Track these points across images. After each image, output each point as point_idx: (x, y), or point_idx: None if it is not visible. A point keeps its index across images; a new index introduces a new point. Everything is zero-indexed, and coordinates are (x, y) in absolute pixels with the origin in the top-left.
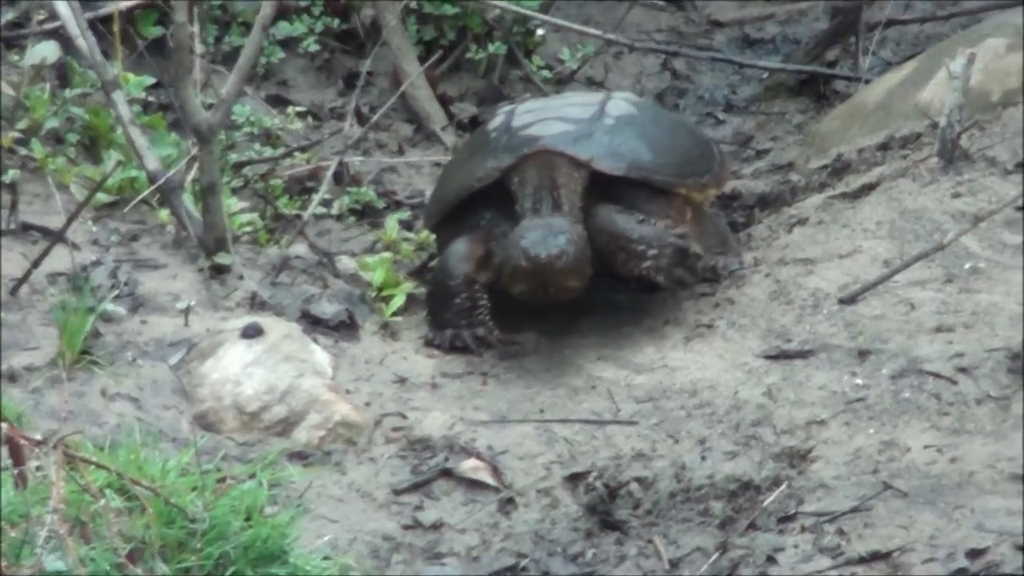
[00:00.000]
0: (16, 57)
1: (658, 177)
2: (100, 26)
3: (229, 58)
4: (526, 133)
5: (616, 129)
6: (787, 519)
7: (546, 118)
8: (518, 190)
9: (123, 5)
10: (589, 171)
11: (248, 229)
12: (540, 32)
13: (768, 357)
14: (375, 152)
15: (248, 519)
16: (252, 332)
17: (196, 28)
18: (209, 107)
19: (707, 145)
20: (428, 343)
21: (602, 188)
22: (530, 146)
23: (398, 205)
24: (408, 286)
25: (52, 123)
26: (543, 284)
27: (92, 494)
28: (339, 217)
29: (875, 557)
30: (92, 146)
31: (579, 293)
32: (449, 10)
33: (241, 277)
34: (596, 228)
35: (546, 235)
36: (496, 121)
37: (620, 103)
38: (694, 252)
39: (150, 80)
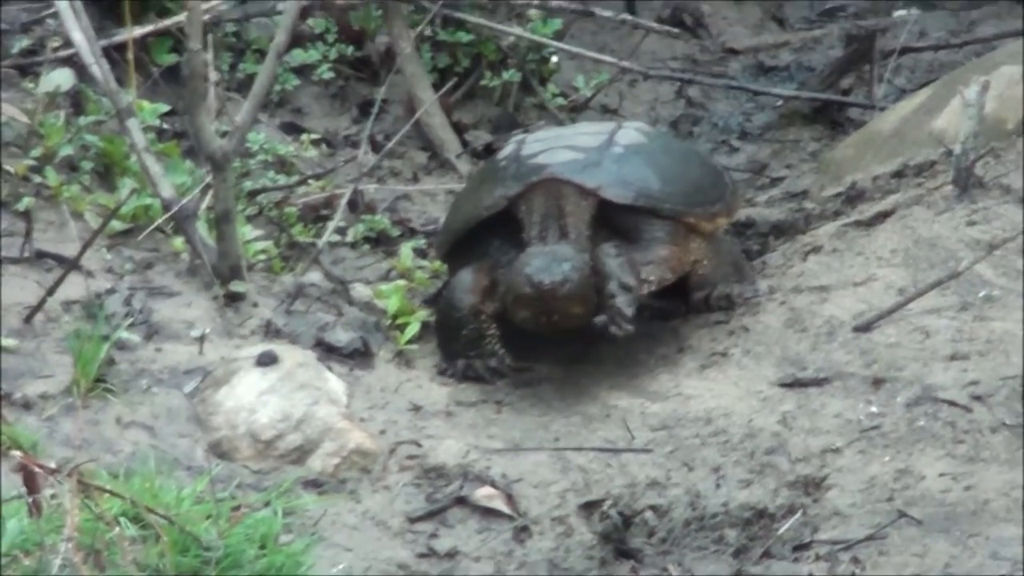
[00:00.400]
0: (30, 84)
1: (666, 206)
2: (114, 53)
3: (243, 85)
4: (534, 162)
5: (624, 158)
6: (802, 547)
7: (555, 147)
8: (525, 218)
9: (137, 33)
10: (597, 199)
11: (262, 257)
12: (554, 60)
13: (783, 385)
14: (389, 180)
15: (263, 547)
16: (267, 360)
17: (210, 55)
18: (223, 135)
19: (718, 174)
20: (441, 372)
21: (611, 217)
22: (538, 174)
23: (412, 233)
24: (423, 314)
25: (66, 151)
26: (546, 311)
27: (106, 522)
28: (353, 245)
29: None
30: (106, 174)
31: (584, 322)
32: (464, 37)
33: (256, 305)
34: (595, 260)
35: (550, 262)
36: (506, 150)
37: (630, 132)
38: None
39: (164, 108)
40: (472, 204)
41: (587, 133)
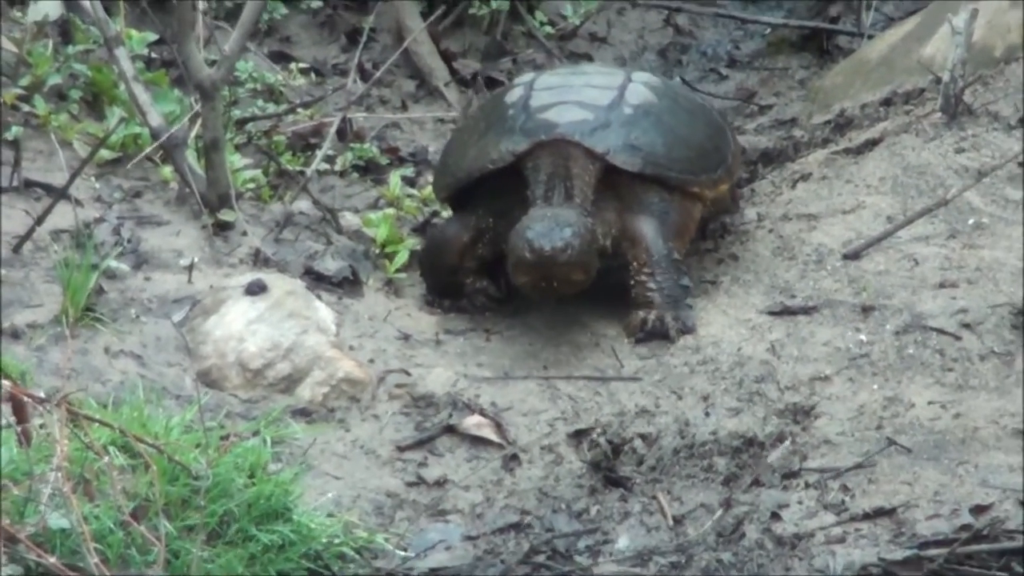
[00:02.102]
0: (18, 13)
1: (672, 174)
2: None
3: (232, 14)
4: (543, 117)
5: (634, 120)
6: (791, 475)
7: (565, 101)
8: (531, 175)
9: None
10: (604, 163)
11: (251, 186)
12: None
13: (772, 313)
14: (378, 108)
15: (252, 476)
16: (256, 289)
17: None
18: (212, 63)
19: (722, 133)
20: (428, 303)
21: (614, 178)
22: (547, 132)
23: (401, 161)
24: (412, 242)
25: (55, 80)
26: (546, 277)
27: (95, 452)
28: (342, 173)
29: (879, 513)
30: (95, 103)
31: (584, 286)
32: None
33: (244, 234)
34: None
35: (552, 227)
36: (514, 95)
37: (639, 89)
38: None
39: (153, 36)
40: (477, 152)
41: (596, 86)
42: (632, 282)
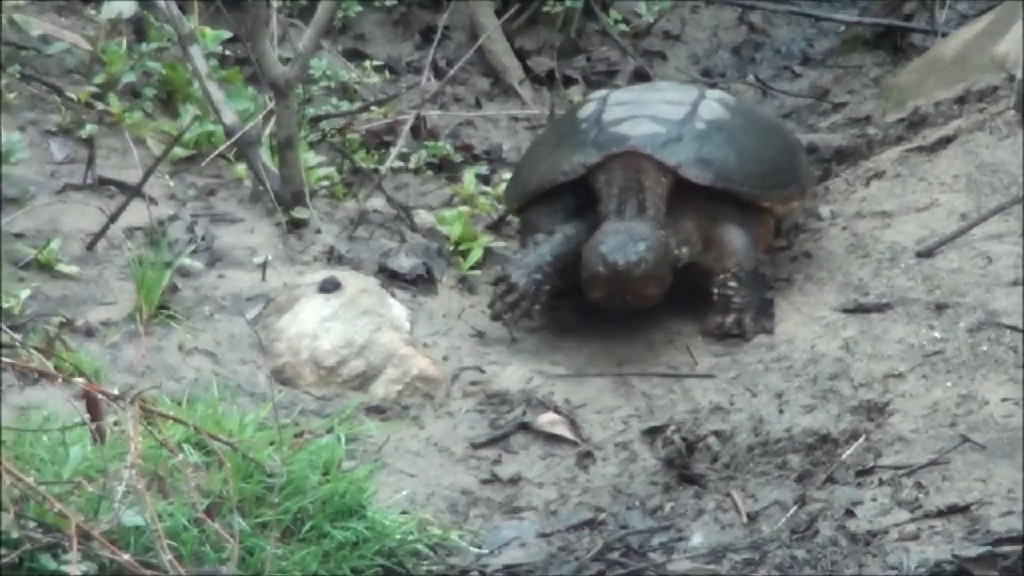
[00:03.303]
0: (93, 12)
1: (743, 189)
2: None
3: (306, 12)
4: (615, 131)
5: (706, 135)
6: (865, 472)
7: (637, 116)
8: (603, 189)
9: None
10: (675, 176)
11: (325, 183)
12: None
13: (845, 311)
14: (452, 106)
15: (326, 473)
16: (329, 286)
17: None
18: (286, 61)
19: (795, 151)
20: (496, 282)
21: (687, 193)
22: (619, 145)
23: (475, 159)
24: (485, 240)
25: (129, 78)
26: (620, 291)
27: (169, 449)
28: (416, 171)
29: (953, 510)
30: (169, 101)
31: (658, 300)
32: None
33: (318, 231)
34: (715, 239)
35: (626, 242)
36: (587, 110)
37: (713, 105)
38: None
39: (227, 34)
40: (549, 164)
41: (670, 102)
42: (715, 290)
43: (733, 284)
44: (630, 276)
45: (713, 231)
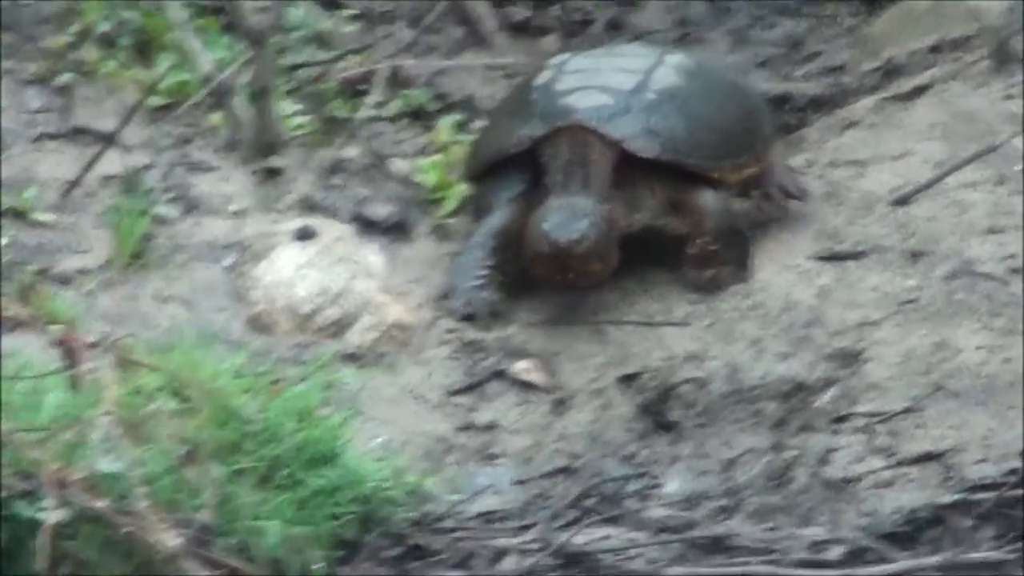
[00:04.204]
0: None
1: (691, 161)
2: None
3: None
4: (564, 102)
5: (655, 106)
6: (840, 420)
7: (587, 86)
8: (549, 162)
9: None
10: (621, 149)
11: (301, 131)
12: None
13: (820, 258)
14: (427, 55)
15: (302, 421)
16: (305, 234)
17: None
18: (262, 10)
19: (755, 118)
20: (440, 298)
21: (634, 163)
22: (564, 118)
23: (451, 108)
24: (461, 188)
25: (104, 26)
26: (564, 268)
27: (145, 396)
28: (392, 119)
29: (927, 457)
30: (145, 49)
31: (603, 277)
32: None
33: (294, 179)
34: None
35: (568, 219)
36: (542, 77)
37: (668, 72)
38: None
39: None
40: (500, 135)
41: (624, 70)
42: (691, 251)
43: (713, 246)
44: (572, 253)
45: (682, 197)
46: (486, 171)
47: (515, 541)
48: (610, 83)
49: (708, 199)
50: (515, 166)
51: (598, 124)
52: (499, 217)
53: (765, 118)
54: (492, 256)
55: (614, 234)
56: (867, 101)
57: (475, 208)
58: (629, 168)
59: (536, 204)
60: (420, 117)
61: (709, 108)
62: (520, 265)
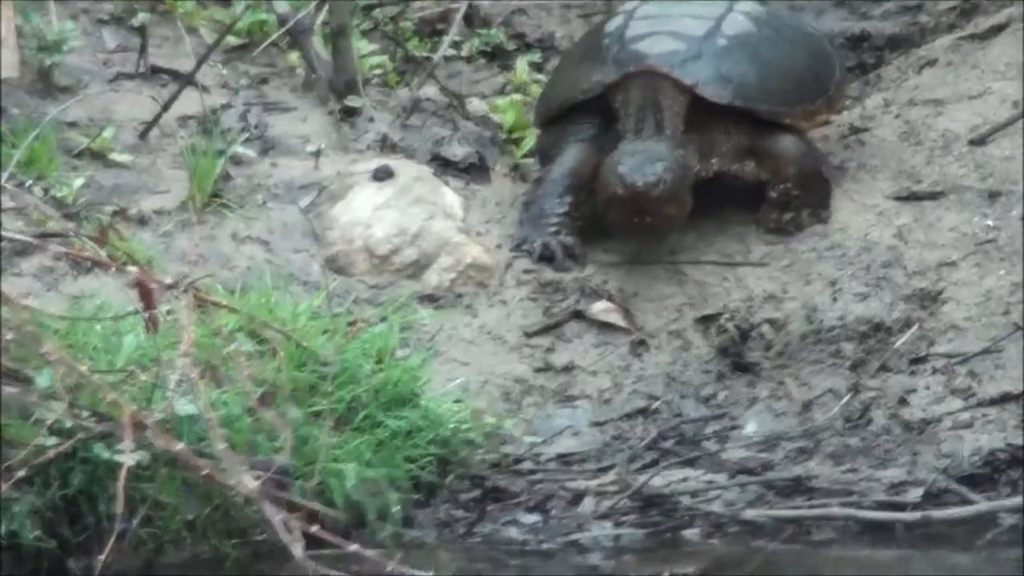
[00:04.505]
0: None
1: (763, 107)
2: None
3: None
4: (635, 48)
5: (727, 51)
6: (918, 361)
7: (659, 32)
8: (621, 108)
9: None
10: (693, 95)
11: (378, 71)
12: None
13: (898, 199)
14: None
15: (379, 362)
16: (383, 174)
17: None
18: None
19: (826, 64)
20: (515, 247)
21: (707, 108)
22: (637, 63)
23: (528, 47)
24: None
25: None
26: (639, 212)
27: (223, 338)
28: (469, 59)
29: (1006, 399)
30: None
31: (678, 222)
32: None
33: (371, 120)
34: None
35: (644, 161)
36: (613, 24)
37: (739, 19)
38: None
39: None
40: (571, 82)
41: (695, 16)
42: (773, 194)
43: (796, 191)
44: (649, 196)
45: (762, 144)
46: (556, 117)
47: (593, 483)
48: (681, 29)
49: (789, 144)
50: (585, 112)
51: (671, 69)
52: (570, 159)
53: (836, 64)
54: (565, 199)
55: (689, 178)
56: (944, 40)
57: (544, 154)
58: (703, 113)
59: (607, 150)
60: (497, 57)
61: (780, 54)
62: (594, 208)
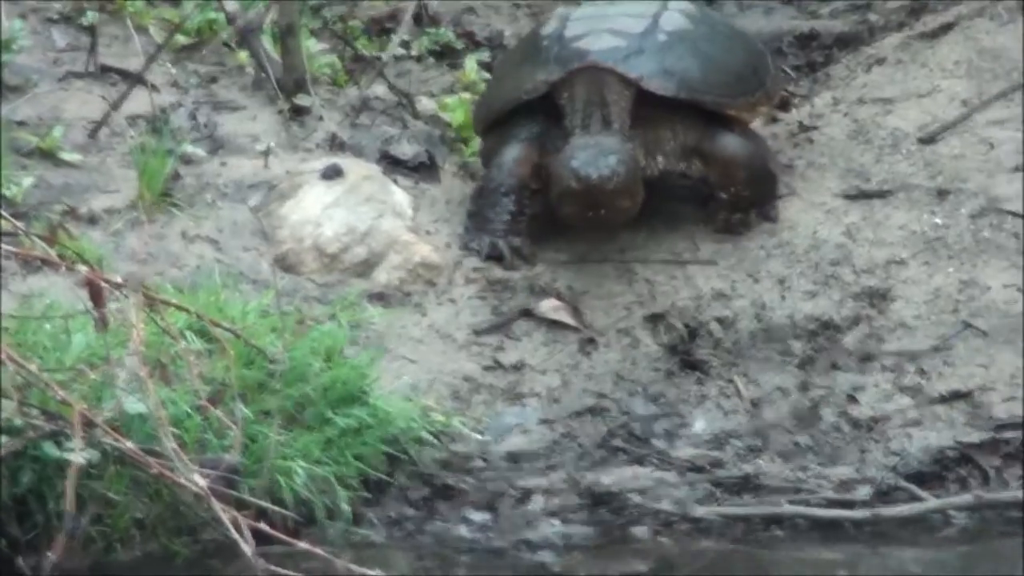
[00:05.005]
0: None
1: (708, 98)
2: None
3: None
4: (576, 46)
5: (668, 46)
6: (867, 358)
7: (598, 30)
8: (567, 105)
9: None
10: (639, 89)
11: (327, 71)
12: None
13: (847, 197)
14: None
15: (328, 360)
16: (332, 173)
17: None
18: None
19: (761, 59)
20: (463, 246)
21: (651, 105)
22: (580, 60)
23: (477, 46)
24: None
25: None
26: (594, 206)
27: (172, 336)
28: (418, 58)
29: (955, 396)
30: None
31: (631, 215)
32: None
33: (320, 118)
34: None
35: (596, 155)
36: (549, 27)
37: (675, 16)
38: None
39: None
40: (513, 83)
41: (631, 15)
42: (723, 194)
43: (745, 192)
44: (603, 189)
45: (709, 146)
46: (497, 121)
47: (542, 481)
48: (620, 27)
49: (736, 147)
50: (526, 114)
51: (614, 64)
52: (510, 160)
53: (769, 60)
54: (509, 200)
55: (639, 172)
56: (893, 39)
57: (487, 159)
58: (648, 109)
59: (550, 149)
60: (446, 56)
61: (718, 49)
62: (544, 205)
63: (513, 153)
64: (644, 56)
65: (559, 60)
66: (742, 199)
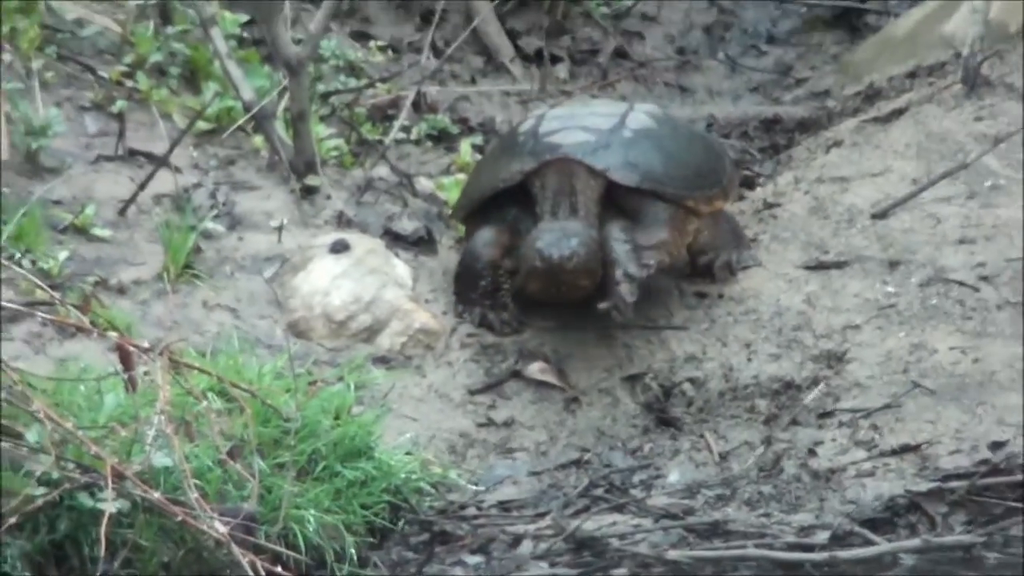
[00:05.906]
0: None
1: (668, 189)
2: None
3: None
4: (549, 140)
5: (633, 142)
6: (825, 415)
7: (570, 127)
8: (539, 193)
9: None
10: (605, 180)
11: (335, 153)
12: None
13: (807, 267)
14: (449, 82)
15: (337, 418)
16: (339, 247)
17: None
18: (298, 42)
19: (719, 157)
20: (458, 315)
21: (617, 197)
22: (552, 153)
23: (471, 130)
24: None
25: (156, 57)
26: (556, 283)
27: (195, 397)
28: (417, 142)
29: (906, 449)
30: (192, 78)
31: (589, 292)
32: None
33: (329, 197)
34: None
35: (560, 238)
36: (526, 125)
37: (640, 116)
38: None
39: (244, 17)
40: (491, 174)
41: (601, 114)
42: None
43: (718, 243)
44: (564, 269)
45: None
46: (477, 208)
47: (531, 527)
48: (590, 124)
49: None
50: (503, 202)
51: (583, 156)
52: (482, 242)
53: (727, 161)
54: (484, 278)
55: (599, 254)
56: (849, 123)
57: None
58: (613, 202)
59: (523, 232)
60: (443, 139)
61: (680, 147)
62: (518, 282)
63: (485, 236)
64: (611, 150)
65: (533, 153)
66: (718, 250)
